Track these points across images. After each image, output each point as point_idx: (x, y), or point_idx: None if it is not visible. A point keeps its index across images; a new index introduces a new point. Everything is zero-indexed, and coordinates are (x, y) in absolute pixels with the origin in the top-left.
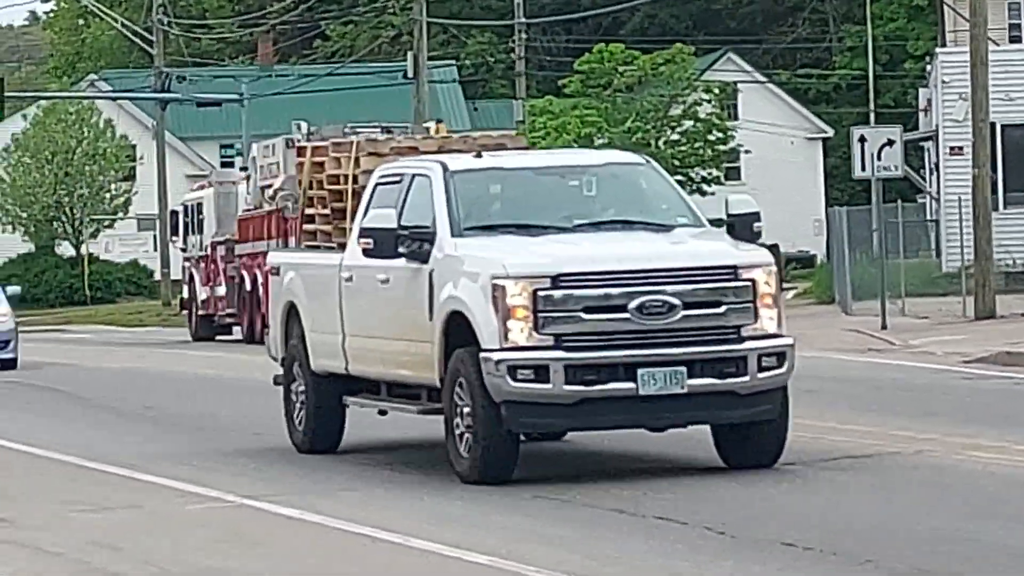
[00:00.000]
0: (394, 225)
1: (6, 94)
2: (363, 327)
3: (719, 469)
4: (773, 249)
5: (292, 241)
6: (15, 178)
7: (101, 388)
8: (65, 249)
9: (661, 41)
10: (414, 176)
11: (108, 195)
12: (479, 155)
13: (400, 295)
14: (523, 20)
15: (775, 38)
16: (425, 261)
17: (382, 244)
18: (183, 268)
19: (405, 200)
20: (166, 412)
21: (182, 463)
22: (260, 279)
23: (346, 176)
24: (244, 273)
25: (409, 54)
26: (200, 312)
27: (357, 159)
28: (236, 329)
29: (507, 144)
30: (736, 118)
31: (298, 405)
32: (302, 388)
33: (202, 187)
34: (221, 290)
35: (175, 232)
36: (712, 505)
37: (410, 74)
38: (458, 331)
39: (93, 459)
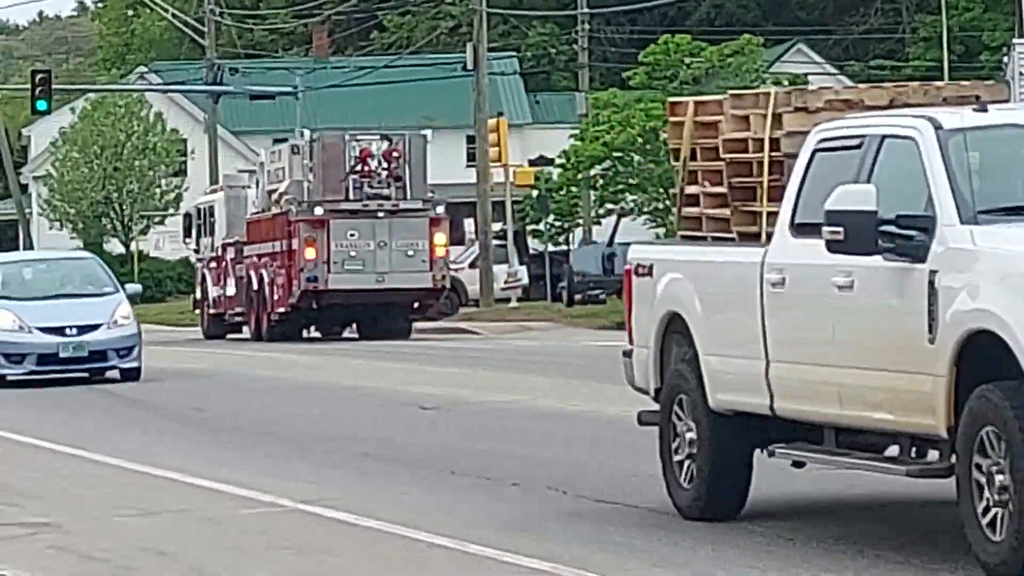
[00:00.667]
0: (875, 207)
1: (54, 87)
2: (803, 350)
3: None
4: None
5: (294, 243)
6: (63, 173)
7: (150, 390)
8: (114, 246)
9: (729, 32)
10: (883, 138)
11: (158, 191)
12: (983, 108)
13: (874, 306)
14: (586, 10)
15: (846, 28)
16: (920, 259)
17: (860, 234)
18: (196, 269)
19: (871, 171)
20: (217, 414)
21: (234, 467)
22: (267, 279)
23: (758, 140)
24: (252, 273)
25: (468, 45)
26: (211, 311)
27: (778, 116)
28: (245, 328)
29: (982, 95)
30: None
31: (684, 456)
32: (691, 432)
33: (214, 191)
34: (231, 290)
35: (188, 234)
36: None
37: (469, 66)
38: (982, 358)
39: (142, 462)
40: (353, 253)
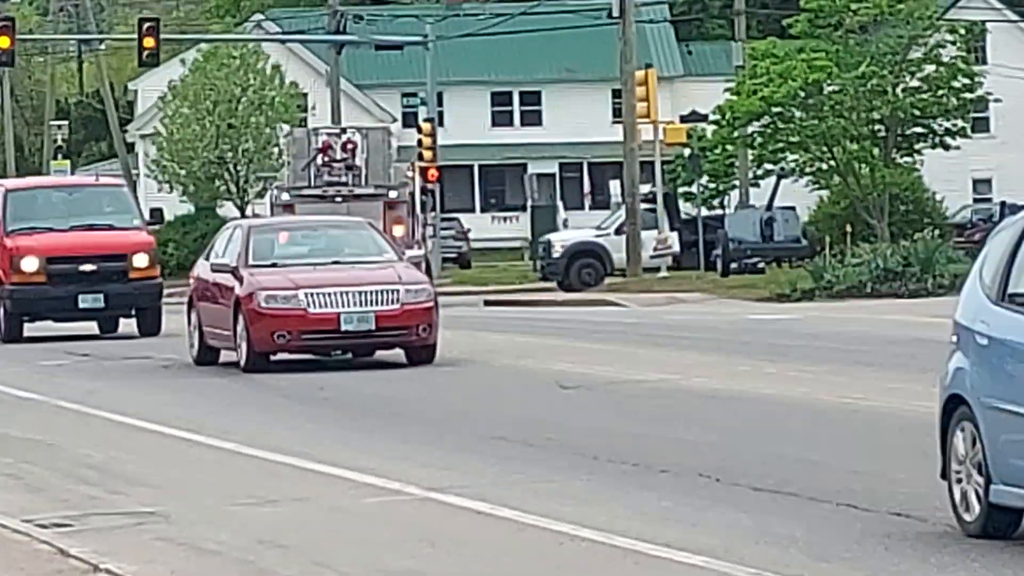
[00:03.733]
0: None
1: (162, 37)
2: None
3: None
4: None
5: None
6: (172, 131)
7: (267, 367)
8: (228, 210)
9: None
10: None
11: (276, 149)
12: None
13: None
14: None
15: None
16: None
17: None
18: None
19: None
20: (340, 395)
21: (358, 451)
22: None
23: None
24: None
25: None
26: None
27: None
28: None
29: None
30: (984, 62)
31: None
32: None
33: None
34: None
35: None
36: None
37: (615, 13)
38: None
39: (257, 447)
40: None
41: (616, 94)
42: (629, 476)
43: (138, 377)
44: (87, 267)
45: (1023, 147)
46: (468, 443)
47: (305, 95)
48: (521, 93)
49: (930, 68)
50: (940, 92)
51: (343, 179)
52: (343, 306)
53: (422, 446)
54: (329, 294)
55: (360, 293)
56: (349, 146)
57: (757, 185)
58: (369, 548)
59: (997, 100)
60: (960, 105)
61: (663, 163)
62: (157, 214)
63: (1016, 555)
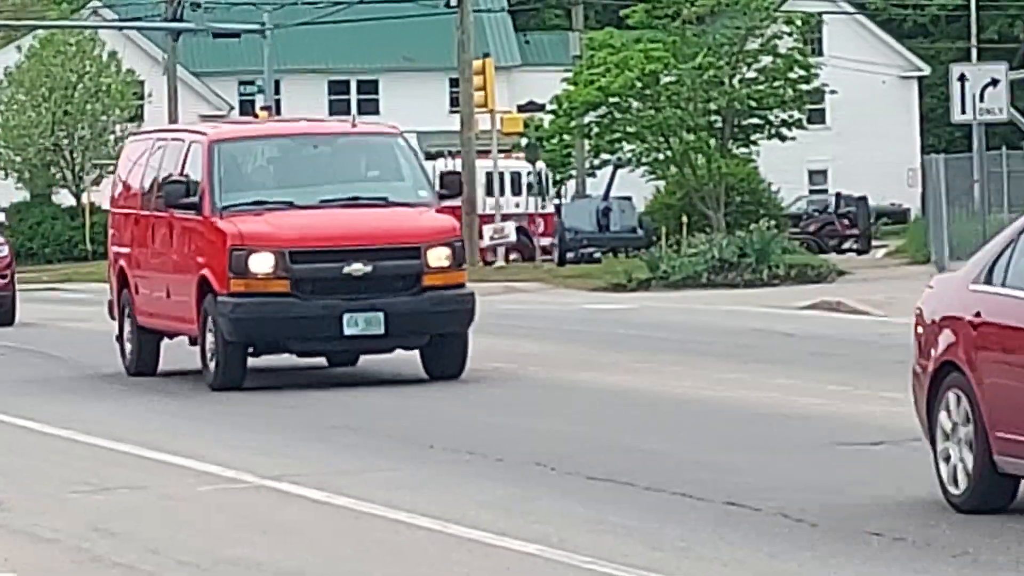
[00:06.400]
0: None
1: None
2: None
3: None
4: (860, 202)
5: None
6: (8, 117)
7: (103, 354)
8: (64, 198)
9: None
10: None
11: (112, 137)
12: None
13: None
14: None
15: None
16: None
17: None
18: None
19: None
20: (175, 381)
21: (192, 438)
22: None
23: None
24: None
25: None
26: None
27: None
28: None
29: None
30: (821, 54)
31: None
32: None
33: None
34: None
35: None
36: (788, 490)
37: (453, 2)
38: None
39: (93, 434)
40: None
41: (454, 83)
42: (465, 465)
43: None
44: (357, 267)
45: (858, 139)
46: (305, 432)
47: (142, 83)
48: (359, 82)
49: (767, 59)
50: (777, 83)
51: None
52: None
53: (258, 434)
54: None
55: None
56: None
57: (594, 175)
58: (204, 536)
59: (833, 92)
60: (796, 96)
61: (500, 152)
62: None
63: (847, 538)
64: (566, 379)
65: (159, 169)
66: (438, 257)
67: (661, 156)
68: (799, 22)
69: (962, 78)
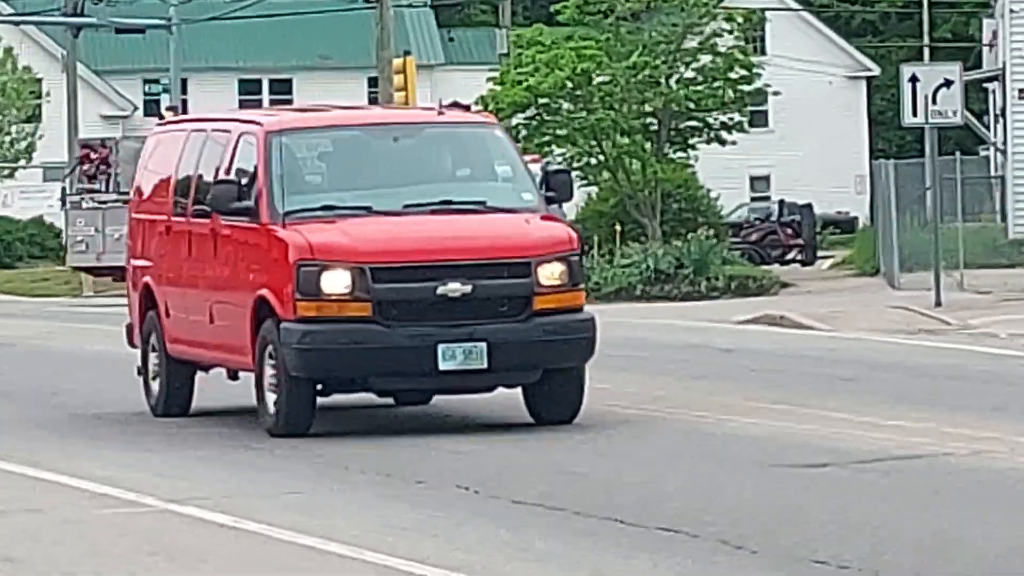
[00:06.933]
0: None
1: None
2: None
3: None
4: (805, 210)
5: None
6: None
7: None
8: None
9: None
10: None
11: (8, 139)
12: None
13: None
14: None
15: None
16: None
17: None
18: None
19: None
20: (74, 398)
21: (90, 459)
22: None
23: None
24: None
25: None
26: None
27: None
28: None
29: None
30: (763, 53)
31: None
32: None
33: None
34: None
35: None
36: (726, 515)
37: None
38: None
39: None
40: (80, 237)
41: (372, 82)
42: (382, 487)
43: None
44: (454, 287)
45: (803, 143)
46: (208, 452)
47: (39, 81)
48: (271, 81)
49: (706, 58)
50: (716, 84)
51: (96, 185)
52: None
53: (157, 454)
54: None
55: None
56: (102, 153)
57: None
58: (104, 561)
59: (776, 93)
60: (737, 98)
61: None
62: None
63: (791, 567)
64: (488, 399)
65: (197, 166)
66: (551, 275)
67: (593, 161)
68: (740, 19)
69: (913, 79)
